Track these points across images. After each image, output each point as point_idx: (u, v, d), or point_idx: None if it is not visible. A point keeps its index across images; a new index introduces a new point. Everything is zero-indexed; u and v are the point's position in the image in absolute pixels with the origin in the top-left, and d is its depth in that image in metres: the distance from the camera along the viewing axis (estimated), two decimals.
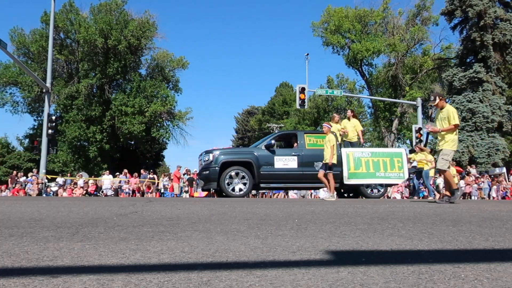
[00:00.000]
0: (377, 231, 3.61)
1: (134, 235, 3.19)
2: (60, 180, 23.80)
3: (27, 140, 41.82)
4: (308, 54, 26.26)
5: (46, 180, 22.20)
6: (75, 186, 22.77)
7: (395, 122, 38.12)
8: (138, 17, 37.12)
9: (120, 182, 22.17)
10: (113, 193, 21.37)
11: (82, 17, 36.25)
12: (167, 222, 4.04)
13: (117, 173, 24.02)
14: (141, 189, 21.52)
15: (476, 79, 27.52)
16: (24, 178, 23.25)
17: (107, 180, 22.09)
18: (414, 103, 28.11)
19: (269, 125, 50.67)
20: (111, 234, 3.24)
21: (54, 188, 22.58)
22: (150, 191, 21.51)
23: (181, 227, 3.71)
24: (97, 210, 5.35)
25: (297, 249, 2.63)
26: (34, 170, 24.85)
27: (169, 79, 39.64)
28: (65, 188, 22.49)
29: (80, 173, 27.65)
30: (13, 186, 21.86)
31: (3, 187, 25.03)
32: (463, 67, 28.71)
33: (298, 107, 25.39)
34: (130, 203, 6.93)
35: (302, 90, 23.97)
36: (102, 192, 21.84)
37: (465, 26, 29.30)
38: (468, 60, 29.24)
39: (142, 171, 23.03)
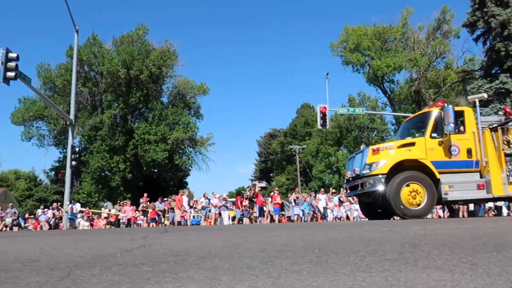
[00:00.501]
0: (409, 261, 3.13)
1: (129, 277, 2.82)
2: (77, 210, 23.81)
3: (53, 172, 42.55)
4: (328, 73, 25.94)
5: (69, 212, 22.22)
6: (98, 217, 22.73)
7: None
8: (159, 47, 37.77)
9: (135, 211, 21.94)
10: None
11: (106, 49, 37.16)
12: (172, 259, 3.66)
13: (124, 201, 23.85)
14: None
15: (503, 90, 26.60)
16: (40, 211, 23.36)
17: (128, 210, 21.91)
18: None
19: (291, 147, 50.20)
20: (104, 277, 2.87)
21: (80, 220, 22.58)
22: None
23: (186, 264, 3.31)
24: (103, 246, 5.02)
25: None
26: (54, 204, 24.91)
27: (190, 105, 39.93)
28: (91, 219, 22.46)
29: (105, 204, 27.73)
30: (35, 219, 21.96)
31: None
32: (488, 79, 27.85)
33: (319, 127, 24.95)
34: (143, 235, 6.59)
35: (323, 110, 23.56)
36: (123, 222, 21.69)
37: (488, 37, 28.57)
38: (493, 71, 28.39)
39: (159, 199, 22.69)
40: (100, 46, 36.98)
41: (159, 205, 21.61)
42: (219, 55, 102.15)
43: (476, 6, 28.34)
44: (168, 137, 34.75)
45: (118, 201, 26.85)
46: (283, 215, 22.28)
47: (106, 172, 35.29)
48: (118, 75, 34.37)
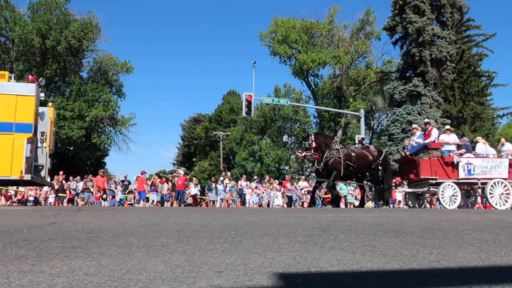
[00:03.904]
0: (317, 243, 3.34)
1: (36, 252, 2.70)
2: None
3: None
4: (255, 62, 26.18)
5: None
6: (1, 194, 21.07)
7: (339, 132, 38.90)
8: (81, 18, 35.50)
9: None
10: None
11: (19, 14, 34.15)
12: (85, 236, 3.55)
13: None
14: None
15: (415, 93, 28.65)
16: None
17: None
18: (358, 114, 28.75)
19: (215, 133, 50.15)
20: (8, 251, 2.73)
21: None
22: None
23: (98, 241, 3.24)
24: (10, 221, 4.71)
25: (225, 268, 2.28)
26: None
27: (112, 83, 38.13)
28: None
29: None
30: None
31: None
32: (403, 81, 29.81)
33: (244, 114, 25.18)
34: (54, 213, 6.27)
35: (249, 98, 23.80)
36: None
37: (405, 42, 30.50)
38: (407, 74, 30.41)
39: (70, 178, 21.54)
40: (12, 10, 33.96)
41: (74, 184, 20.57)
42: (145, 34, 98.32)
43: (396, 11, 30.09)
44: (86, 114, 32.98)
45: None
46: (203, 199, 22.28)
47: None
48: (32, 43, 31.86)
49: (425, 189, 12.85)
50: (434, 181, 12.31)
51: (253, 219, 5.67)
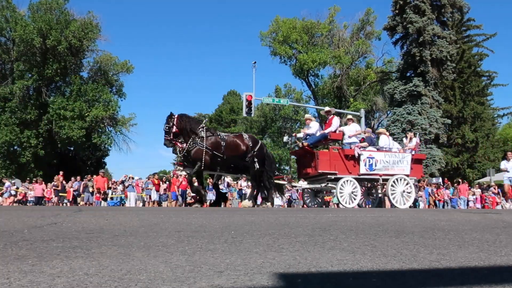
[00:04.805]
0: (317, 243, 3.34)
1: (36, 252, 2.70)
2: None
3: None
4: (255, 62, 26.18)
5: None
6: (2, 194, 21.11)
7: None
8: (81, 18, 35.51)
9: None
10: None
11: (19, 14, 34.17)
12: (85, 236, 3.55)
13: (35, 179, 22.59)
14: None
15: (415, 93, 28.67)
16: None
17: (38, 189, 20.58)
18: (358, 114, 28.74)
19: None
20: (8, 251, 2.73)
21: None
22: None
23: (99, 241, 3.24)
24: (10, 221, 4.71)
25: (225, 268, 2.28)
26: None
27: (112, 83, 38.14)
28: None
29: (13, 181, 25.79)
30: None
31: None
32: (403, 81, 29.82)
33: (244, 114, 25.18)
34: (55, 213, 6.27)
35: (249, 98, 23.80)
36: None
37: (405, 42, 30.52)
38: (408, 74, 30.43)
39: (72, 179, 21.54)
40: (13, 10, 33.98)
41: (77, 185, 20.59)
42: (145, 34, 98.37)
43: (397, 11, 30.12)
44: (86, 114, 32.96)
45: (28, 179, 25.12)
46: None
47: (16, 147, 32.73)
48: (33, 43, 31.85)
49: (323, 185, 11.57)
50: (333, 176, 11.13)
51: (253, 219, 5.67)
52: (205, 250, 2.88)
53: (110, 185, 21.25)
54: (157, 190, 20.38)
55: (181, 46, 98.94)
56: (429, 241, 3.63)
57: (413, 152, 12.25)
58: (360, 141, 11.94)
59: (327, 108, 13.13)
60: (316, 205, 12.87)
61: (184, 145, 10.19)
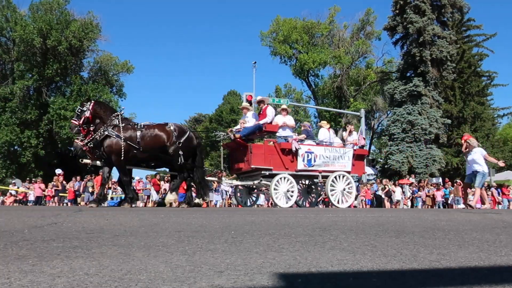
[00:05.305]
0: (318, 243, 3.34)
1: (37, 252, 2.71)
2: None
3: None
4: (255, 62, 26.22)
5: None
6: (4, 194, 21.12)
7: (340, 132, 38.89)
8: (81, 18, 35.52)
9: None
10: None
11: (20, 14, 34.19)
12: (85, 236, 3.56)
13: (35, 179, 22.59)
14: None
15: (415, 93, 28.66)
16: None
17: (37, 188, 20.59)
18: (358, 114, 28.78)
19: (216, 133, 50.15)
20: (9, 251, 2.73)
21: None
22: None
23: (99, 241, 3.24)
24: (10, 221, 4.71)
25: (226, 268, 2.28)
26: None
27: (112, 83, 38.15)
28: None
29: (14, 181, 25.81)
30: None
31: None
32: (403, 81, 29.81)
33: None
34: (55, 213, 6.28)
35: (249, 98, 23.81)
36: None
37: (405, 42, 30.52)
38: (408, 74, 30.42)
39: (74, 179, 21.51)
40: (14, 10, 34.01)
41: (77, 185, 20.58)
42: (145, 34, 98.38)
43: (397, 11, 30.12)
44: None
45: (28, 179, 25.11)
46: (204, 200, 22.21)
47: (16, 147, 32.75)
48: (33, 43, 31.87)
49: (256, 182, 10.46)
50: (267, 172, 10.12)
51: (253, 219, 5.67)
52: (205, 250, 2.89)
53: (110, 185, 21.23)
54: (157, 190, 20.38)
55: (181, 46, 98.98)
56: (429, 241, 3.64)
57: (355, 147, 11.48)
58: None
59: (259, 98, 11.54)
60: (249, 204, 11.89)
61: (96, 134, 9.11)
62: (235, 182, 11.59)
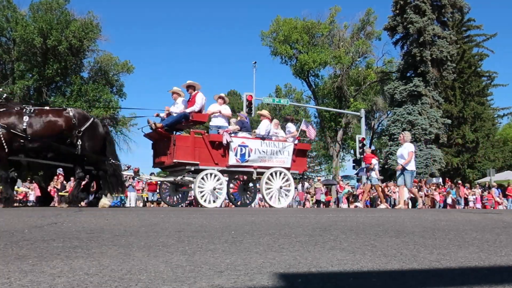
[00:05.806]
0: (318, 243, 3.34)
1: (37, 252, 2.71)
2: None
3: None
4: (255, 62, 26.27)
5: None
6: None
7: (340, 132, 38.93)
8: (81, 18, 35.55)
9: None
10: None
11: (20, 14, 34.23)
12: (85, 236, 3.56)
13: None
14: None
15: (415, 93, 28.68)
16: None
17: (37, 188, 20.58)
18: (358, 114, 28.80)
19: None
20: (9, 251, 2.73)
21: None
22: None
23: (99, 241, 3.25)
24: (10, 221, 4.72)
25: (226, 268, 2.28)
26: None
27: (113, 83, 38.18)
28: None
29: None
30: None
31: None
32: (403, 81, 29.83)
33: None
34: (55, 213, 6.28)
35: (249, 98, 23.84)
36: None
37: (406, 42, 30.54)
38: (408, 74, 30.45)
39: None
40: (14, 10, 34.05)
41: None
42: (146, 34, 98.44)
43: (397, 11, 30.15)
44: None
45: (28, 178, 25.10)
46: None
47: None
48: (33, 43, 31.91)
49: (179, 178, 9.42)
50: (193, 168, 9.11)
51: (253, 219, 5.67)
52: (205, 250, 2.89)
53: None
54: (154, 191, 20.42)
55: (181, 46, 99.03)
56: (429, 241, 3.64)
57: (296, 142, 10.60)
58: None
59: (188, 82, 9.93)
60: (176, 202, 10.74)
61: None
62: (154, 178, 10.90)
